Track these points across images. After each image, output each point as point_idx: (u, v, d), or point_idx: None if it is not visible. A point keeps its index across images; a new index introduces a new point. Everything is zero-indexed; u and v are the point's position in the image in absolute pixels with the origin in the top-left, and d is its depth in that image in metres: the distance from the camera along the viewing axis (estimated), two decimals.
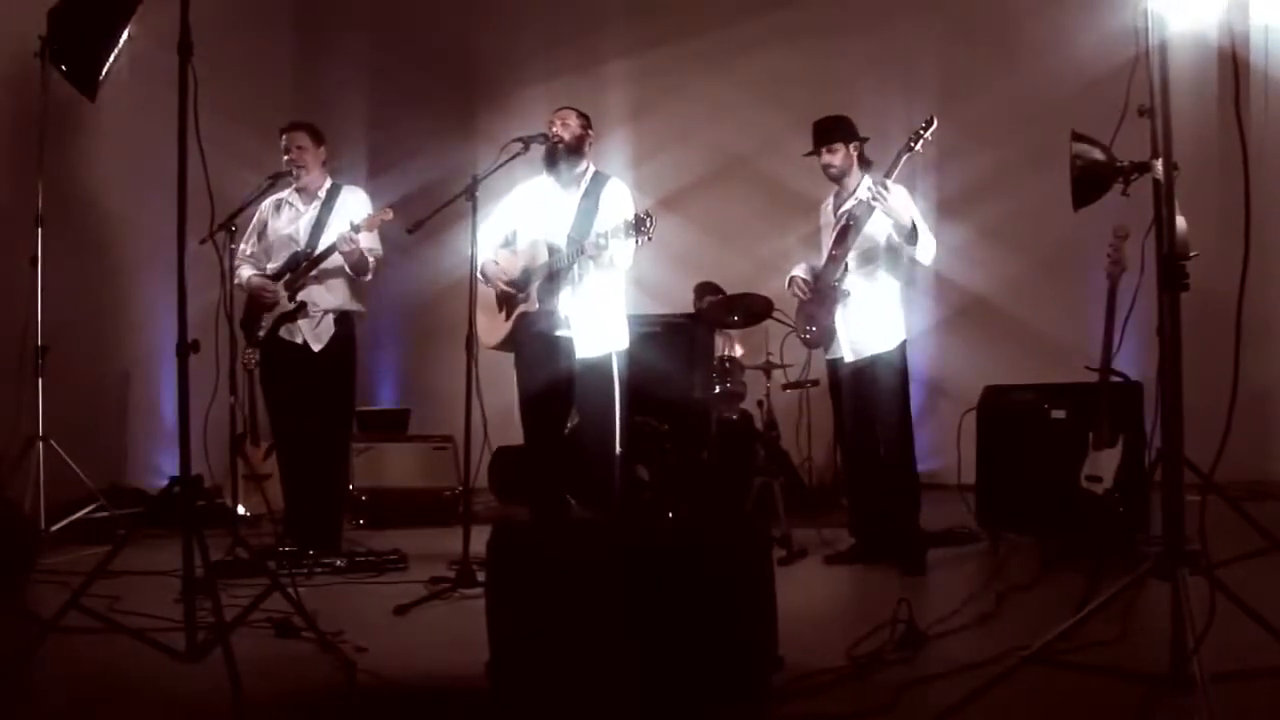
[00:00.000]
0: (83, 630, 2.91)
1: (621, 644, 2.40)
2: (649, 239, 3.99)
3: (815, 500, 5.94)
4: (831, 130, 4.33)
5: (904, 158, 4.12)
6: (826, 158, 4.32)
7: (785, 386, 6.29)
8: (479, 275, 4.31)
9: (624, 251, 4.22)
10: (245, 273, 4.69)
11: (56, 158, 5.46)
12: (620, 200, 4.39)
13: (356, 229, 4.51)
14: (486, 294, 4.41)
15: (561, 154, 4.37)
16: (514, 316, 4.34)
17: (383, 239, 4.75)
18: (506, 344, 4.42)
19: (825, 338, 4.36)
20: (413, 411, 7.44)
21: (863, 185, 4.27)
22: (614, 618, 2.42)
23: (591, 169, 4.49)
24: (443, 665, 2.94)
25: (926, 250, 4.18)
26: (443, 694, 2.63)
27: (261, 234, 4.77)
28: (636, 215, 3.98)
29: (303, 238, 4.69)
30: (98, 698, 2.67)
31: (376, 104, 8.01)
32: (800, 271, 4.47)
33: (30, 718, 2.56)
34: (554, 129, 4.38)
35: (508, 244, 4.48)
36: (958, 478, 4.89)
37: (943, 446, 4.95)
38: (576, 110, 4.47)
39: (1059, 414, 4.52)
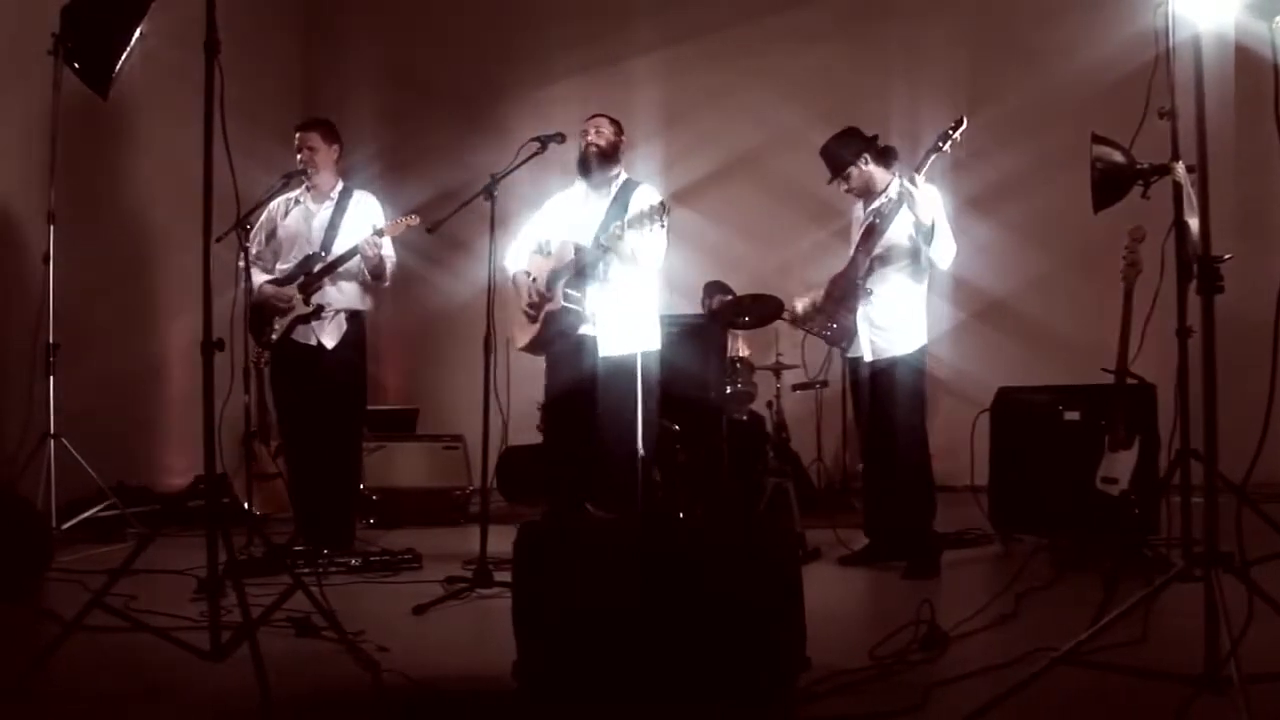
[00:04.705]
0: (103, 629, 2.89)
1: (650, 645, 2.40)
2: (662, 226, 4.04)
3: (824, 501, 5.94)
4: (835, 162, 4.32)
5: (932, 157, 4.09)
6: (843, 186, 4.35)
7: (795, 388, 6.30)
8: (512, 285, 4.35)
9: (646, 245, 4.23)
10: (257, 279, 4.67)
11: (69, 155, 5.44)
12: (648, 203, 4.40)
13: (380, 233, 4.51)
14: (515, 301, 4.46)
15: (594, 160, 4.46)
16: (543, 315, 4.39)
17: (396, 238, 4.74)
18: (535, 346, 4.45)
19: (845, 336, 4.35)
20: (419, 411, 7.45)
21: (894, 184, 4.25)
22: (642, 618, 2.42)
23: (623, 175, 4.55)
24: (467, 665, 2.94)
25: (944, 253, 4.16)
26: (470, 694, 2.62)
27: (271, 234, 4.76)
28: (650, 205, 4.02)
29: (315, 239, 4.68)
30: (123, 697, 2.66)
31: (393, 102, 7.98)
32: (803, 303, 4.51)
33: (58, 718, 2.55)
34: (588, 136, 4.46)
35: (541, 251, 4.51)
36: (970, 479, 4.89)
37: (955, 448, 4.95)
38: (609, 117, 4.54)
39: (1072, 415, 4.53)
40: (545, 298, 4.37)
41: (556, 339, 4.37)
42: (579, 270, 4.30)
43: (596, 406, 4.35)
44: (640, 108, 7.21)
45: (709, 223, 7.34)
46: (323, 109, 6.79)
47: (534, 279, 4.43)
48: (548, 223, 4.58)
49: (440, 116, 7.97)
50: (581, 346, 4.34)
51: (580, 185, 4.57)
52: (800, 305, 4.52)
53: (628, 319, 4.34)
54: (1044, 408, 4.64)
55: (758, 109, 7.51)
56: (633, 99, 7.15)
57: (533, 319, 4.41)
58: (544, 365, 4.61)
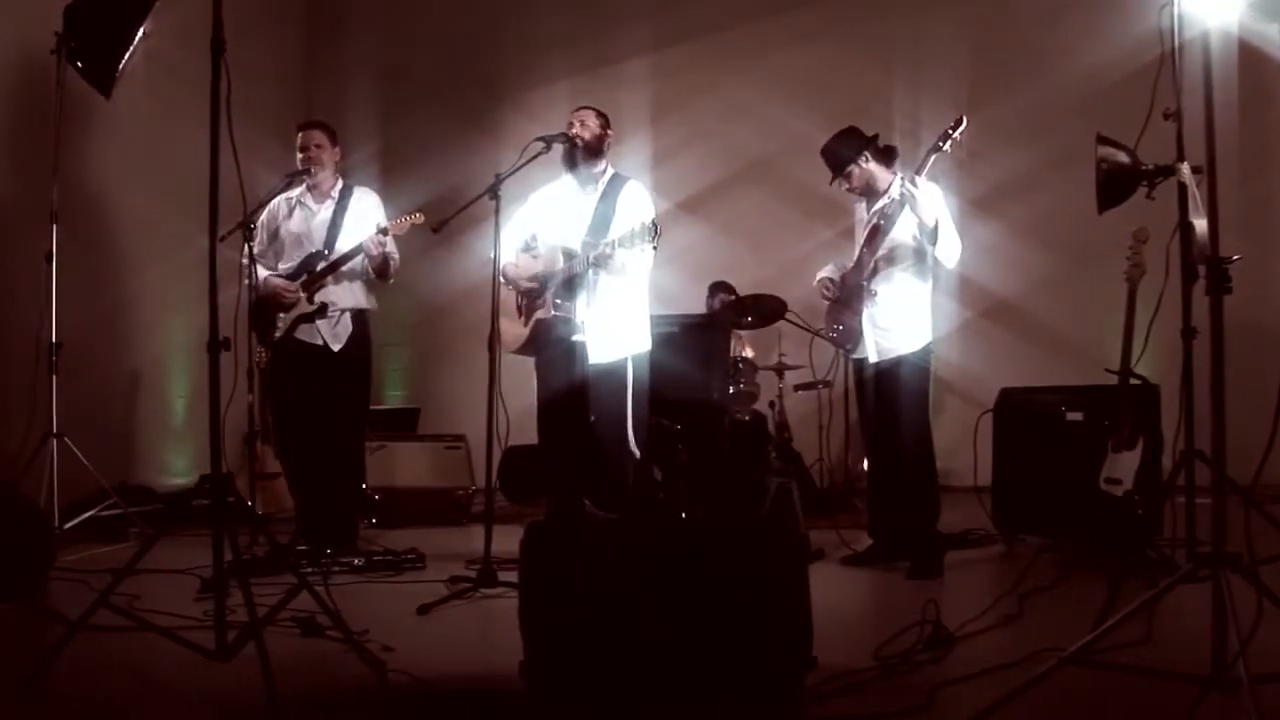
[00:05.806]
0: (108, 628, 2.90)
1: (657, 644, 2.39)
2: (655, 248, 4.01)
3: (828, 501, 5.94)
4: (836, 161, 4.30)
5: (932, 157, 4.10)
6: (844, 185, 4.34)
7: (797, 388, 6.31)
8: (500, 278, 4.33)
9: (636, 258, 4.21)
10: (261, 273, 4.67)
11: (72, 155, 5.44)
12: (637, 204, 4.39)
13: (385, 231, 4.51)
14: (507, 298, 4.42)
15: (580, 154, 4.38)
16: (532, 322, 4.36)
17: (397, 239, 4.73)
18: (526, 348, 4.44)
19: (851, 337, 4.35)
20: (420, 411, 7.45)
21: (895, 183, 4.24)
22: (649, 618, 2.41)
23: (610, 170, 4.49)
24: (473, 665, 2.95)
25: (949, 252, 4.15)
26: (476, 693, 2.62)
27: (274, 234, 4.76)
28: (642, 223, 3.98)
29: (317, 238, 4.68)
30: (129, 696, 2.66)
31: (390, 102, 7.97)
32: (828, 272, 4.47)
33: (65, 717, 2.55)
34: (573, 129, 4.38)
35: (528, 249, 4.48)
36: (974, 479, 4.90)
37: (959, 448, 4.95)
38: (596, 110, 4.48)
39: (1076, 416, 4.53)
40: (537, 301, 4.34)
41: (548, 346, 4.36)
42: (568, 280, 4.27)
43: (589, 410, 4.34)
44: (639, 108, 7.24)
45: (711, 224, 7.34)
46: (322, 109, 6.79)
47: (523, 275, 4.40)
48: (534, 219, 4.52)
49: (438, 117, 7.96)
50: (572, 353, 4.32)
51: (567, 179, 4.50)
52: (828, 271, 4.48)
53: (617, 325, 4.32)
54: (1047, 408, 4.64)
55: (757, 109, 7.50)
56: (632, 99, 7.18)
57: (524, 316, 4.38)
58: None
